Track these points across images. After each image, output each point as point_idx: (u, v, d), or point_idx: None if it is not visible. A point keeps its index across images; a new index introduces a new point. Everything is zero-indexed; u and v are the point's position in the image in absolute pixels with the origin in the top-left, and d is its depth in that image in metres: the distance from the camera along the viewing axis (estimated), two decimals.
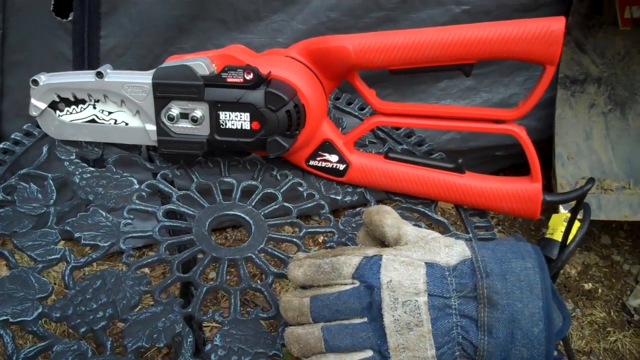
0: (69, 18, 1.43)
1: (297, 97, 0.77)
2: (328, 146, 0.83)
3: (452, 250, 0.61)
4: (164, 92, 0.77)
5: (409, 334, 0.57)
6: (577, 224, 1.05)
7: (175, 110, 0.78)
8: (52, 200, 0.77)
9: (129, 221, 0.76)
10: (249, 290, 0.71)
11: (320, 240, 1.98)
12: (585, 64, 1.74)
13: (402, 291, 0.58)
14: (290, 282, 0.64)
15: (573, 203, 0.84)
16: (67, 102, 0.81)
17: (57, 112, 0.82)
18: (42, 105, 0.81)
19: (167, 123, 0.79)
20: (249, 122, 0.78)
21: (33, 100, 0.81)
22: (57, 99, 0.81)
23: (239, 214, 0.79)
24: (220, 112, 0.78)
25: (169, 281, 0.70)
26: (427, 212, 0.84)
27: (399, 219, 0.67)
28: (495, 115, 0.80)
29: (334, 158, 0.83)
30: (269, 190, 0.83)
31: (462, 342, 0.57)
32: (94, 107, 0.81)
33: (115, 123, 0.82)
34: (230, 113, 0.78)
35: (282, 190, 0.84)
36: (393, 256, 0.61)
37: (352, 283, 0.61)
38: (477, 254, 0.60)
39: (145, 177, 0.84)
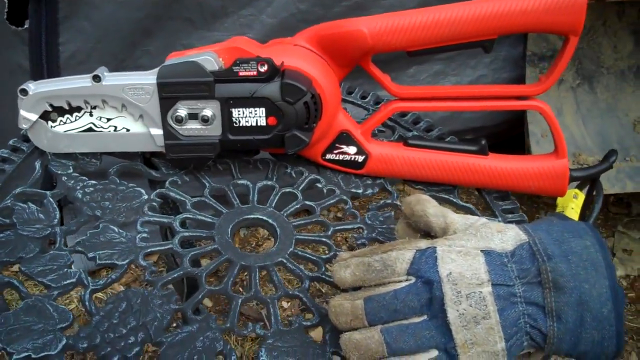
0: (25, 26, 1.33)
1: (313, 87, 0.73)
2: (345, 137, 0.78)
3: (505, 236, 0.58)
4: (171, 92, 0.71)
5: (477, 327, 0.54)
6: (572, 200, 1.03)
7: (183, 111, 0.72)
8: (55, 220, 0.70)
9: (145, 235, 0.69)
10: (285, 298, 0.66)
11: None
12: (552, 40, 1.73)
13: (464, 283, 0.55)
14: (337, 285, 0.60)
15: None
16: (61, 111, 0.74)
17: (50, 122, 0.75)
18: (33, 117, 0.74)
19: (175, 125, 0.73)
20: (264, 118, 0.72)
21: (22, 112, 0.73)
22: (50, 109, 0.74)
23: (261, 217, 0.73)
24: (233, 109, 0.72)
25: (200, 296, 0.65)
26: (451, 198, 0.80)
27: (441, 207, 0.63)
28: (518, 91, 0.77)
29: (352, 150, 0.79)
30: (287, 190, 0.78)
31: (530, 331, 0.54)
32: (91, 115, 0.74)
33: (115, 130, 0.75)
34: (244, 109, 0.72)
35: (300, 188, 0.79)
36: (447, 247, 0.57)
37: (407, 279, 0.57)
38: (534, 236, 0.57)
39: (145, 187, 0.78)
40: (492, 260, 0.56)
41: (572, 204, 1.15)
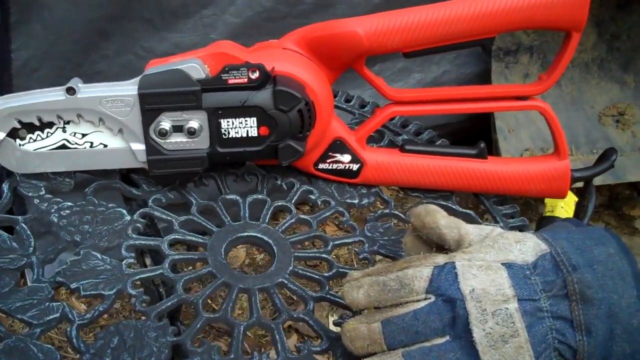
0: None
1: (306, 93, 0.68)
2: (339, 145, 0.74)
3: (524, 246, 0.55)
4: (154, 104, 0.65)
5: (505, 347, 0.50)
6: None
7: (166, 124, 0.67)
8: (31, 248, 0.64)
9: (131, 260, 0.64)
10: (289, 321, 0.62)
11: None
12: (517, 34, 1.72)
13: (489, 300, 0.51)
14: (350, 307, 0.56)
15: None
16: (30, 128, 0.67)
17: (18, 140, 0.68)
18: (0, 135, 0.67)
19: (158, 139, 0.67)
20: (256, 128, 0.67)
21: None
22: (18, 125, 0.67)
23: (256, 234, 0.68)
24: (222, 120, 0.67)
25: (198, 325, 0.59)
26: (449, 205, 0.77)
27: (452, 218, 0.60)
28: (518, 91, 0.74)
29: (346, 158, 0.74)
30: (279, 203, 0.73)
31: (559, 346, 0.51)
32: (64, 131, 0.68)
33: (91, 146, 0.69)
34: (234, 120, 0.67)
35: (293, 201, 0.74)
36: (467, 261, 0.54)
37: (426, 298, 0.53)
38: (555, 245, 0.54)
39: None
40: (515, 274, 0.52)
41: (561, 202, 1.13)
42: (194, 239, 0.67)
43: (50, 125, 0.68)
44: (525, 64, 1.77)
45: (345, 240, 0.71)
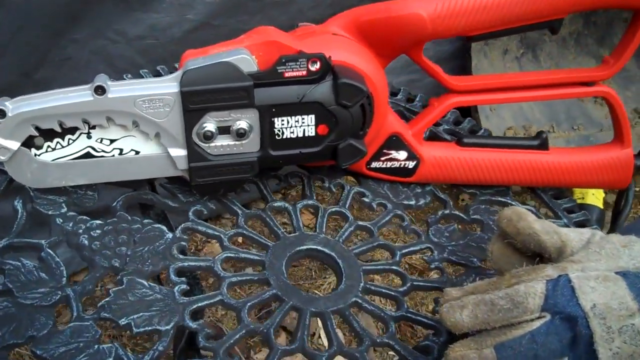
0: None
1: (367, 85, 0.60)
2: (395, 141, 0.66)
3: (632, 251, 0.50)
4: (199, 103, 0.56)
5: None
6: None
7: (211, 125, 0.57)
8: (64, 278, 0.54)
9: (184, 286, 0.55)
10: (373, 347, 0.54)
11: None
12: None
13: (613, 316, 0.46)
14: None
15: None
16: (49, 135, 0.57)
17: (34, 150, 0.58)
18: (14, 145, 0.56)
19: (202, 143, 0.58)
20: (313, 127, 0.59)
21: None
22: (35, 132, 0.56)
23: (316, 247, 0.60)
24: (276, 119, 0.58)
25: (275, 359, 0.51)
26: (507, 200, 0.70)
27: (546, 222, 0.54)
28: (584, 76, 0.68)
29: (402, 155, 0.67)
30: (333, 209, 0.65)
31: None
32: (89, 137, 0.58)
33: (120, 154, 0.59)
34: (289, 118, 0.58)
35: (347, 205, 0.66)
36: (581, 272, 0.48)
37: (540, 317, 0.47)
38: None
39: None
40: (633, 284, 0.47)
41: (592, 190, 1.09)
42: (249, 256, 0.58)
43: (72, 131, 0.57)
44: (504, 40, 1.73)
45: (412, 249, 0.64)
